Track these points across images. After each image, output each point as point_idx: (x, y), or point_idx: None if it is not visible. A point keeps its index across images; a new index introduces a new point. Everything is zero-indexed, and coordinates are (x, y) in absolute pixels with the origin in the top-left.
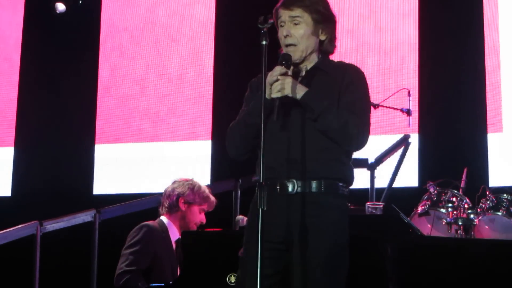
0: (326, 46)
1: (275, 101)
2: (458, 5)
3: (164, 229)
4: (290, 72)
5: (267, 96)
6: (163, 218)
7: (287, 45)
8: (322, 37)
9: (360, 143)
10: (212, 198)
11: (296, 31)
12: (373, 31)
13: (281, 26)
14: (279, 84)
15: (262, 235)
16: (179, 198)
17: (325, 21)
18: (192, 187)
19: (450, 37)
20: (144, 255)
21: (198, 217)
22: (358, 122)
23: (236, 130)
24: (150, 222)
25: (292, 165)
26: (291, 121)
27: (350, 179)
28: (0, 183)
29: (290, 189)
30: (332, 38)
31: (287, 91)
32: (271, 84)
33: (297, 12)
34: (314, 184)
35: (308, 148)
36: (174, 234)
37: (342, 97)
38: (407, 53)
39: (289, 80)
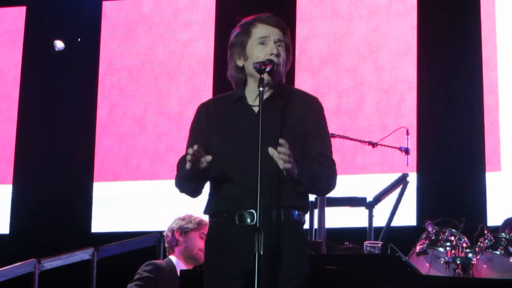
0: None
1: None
2: (456, 44)
3: (172, 268)
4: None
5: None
6: (171, 257)
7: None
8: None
9: (331, 189)
10: (206, 221)
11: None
12: (372, 69)
13: (263, 43)
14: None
15: (259, 279)
16: (173, 232)
17: (291, 52)
18: (183, 218)
19: (449, 76)
20: None
21: (199, 242)
22: (332, 170)
23: (183, 186)
24: (158, 261)
25: (252, 195)
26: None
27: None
28: None
29: (249, 220)
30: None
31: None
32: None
33: (283, 34)
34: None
35: (273, 178)
36: None
37: (310, 141)
38: (406, 92)
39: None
